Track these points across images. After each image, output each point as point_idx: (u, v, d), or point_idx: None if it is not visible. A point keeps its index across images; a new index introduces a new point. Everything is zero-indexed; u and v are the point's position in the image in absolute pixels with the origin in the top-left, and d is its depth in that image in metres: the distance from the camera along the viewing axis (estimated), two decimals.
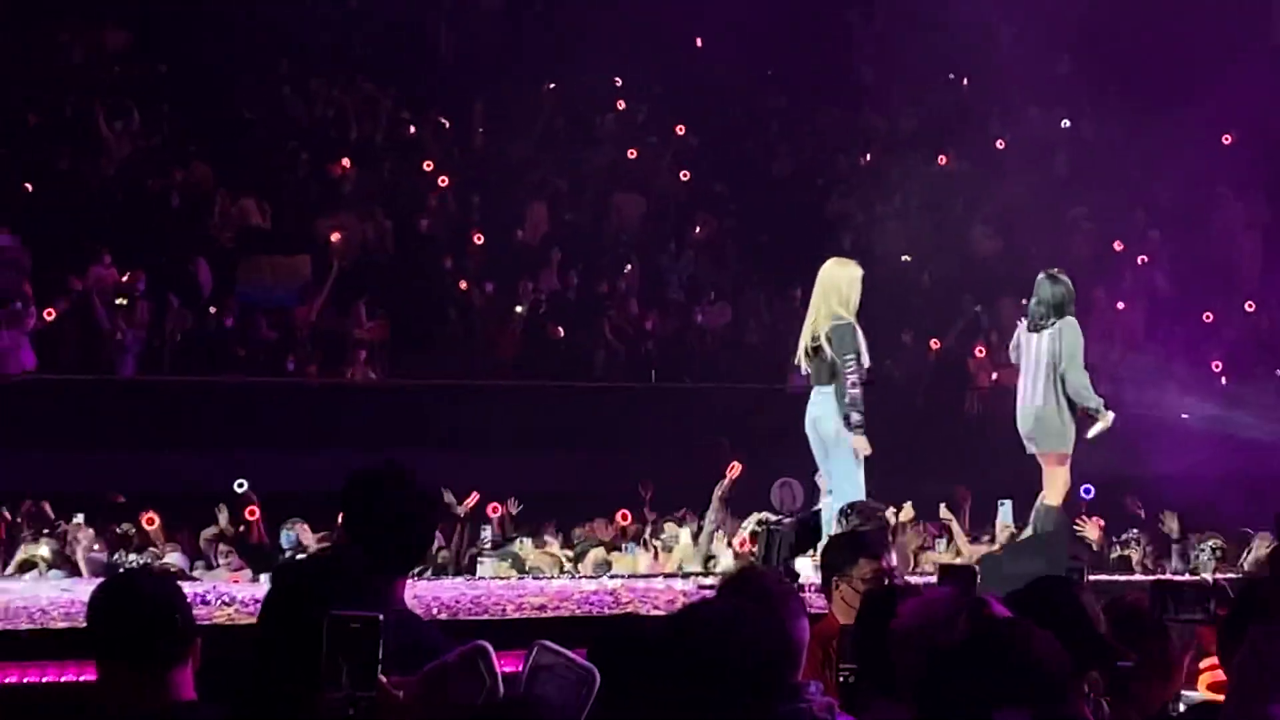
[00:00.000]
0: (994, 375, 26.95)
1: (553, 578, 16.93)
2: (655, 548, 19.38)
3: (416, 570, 12.09)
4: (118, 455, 21.46)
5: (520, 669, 3.99)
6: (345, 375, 25.75)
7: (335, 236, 27.55)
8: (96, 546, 18.11)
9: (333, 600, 3.87)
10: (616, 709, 4.02)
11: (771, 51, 33.09)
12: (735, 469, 19.64)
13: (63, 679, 8.50)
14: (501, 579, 16.51)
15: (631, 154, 31.45)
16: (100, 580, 13.09)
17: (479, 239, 28.56)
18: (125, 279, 25.55)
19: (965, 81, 34.00)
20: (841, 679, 5.30)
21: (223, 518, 18.73)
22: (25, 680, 8.61)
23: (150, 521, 18.47)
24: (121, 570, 15.16)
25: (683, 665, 4.13)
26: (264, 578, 13.70)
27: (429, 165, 29.77)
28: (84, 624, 9.47)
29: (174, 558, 17.78)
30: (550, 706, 3.24)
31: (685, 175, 31.28)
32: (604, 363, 27.29)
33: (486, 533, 19.11)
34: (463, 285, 27.63)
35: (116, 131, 28.45)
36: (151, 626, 4.78)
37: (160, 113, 29.12)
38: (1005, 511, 19.32)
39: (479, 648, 3.94)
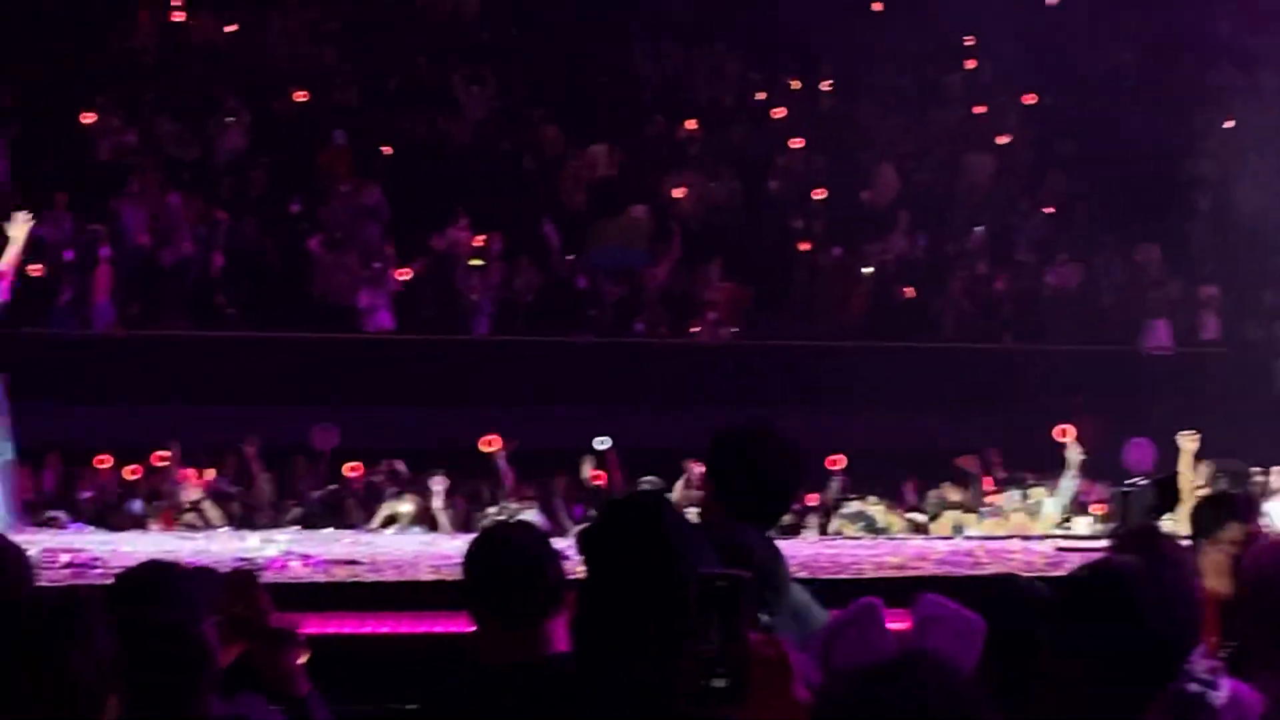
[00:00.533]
0: None
1: (905, 538, 16.86)
2: (1007, 510, 19.18)
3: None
4: (473, 412, 21.83)
5: (907, 625, 3.98)
6: (694, 335, 25.90)
7: (679, 192, 27.77)
8: (453, 503, 18.51)
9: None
10: (1000, 670, 3.98)
11: (1122, 7, 32.42)
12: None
13: (433, 630, 8.74)
14: (853, 539, 16.49)
15: (980, 112, 31.10)
16: (471, 535, 13.39)
17: (827, 200, 28.49)
18: (480, 240, 26.03)
19: None
20: (1224, 656, 5.15)
21: (587, 469, 19.04)
22: (398, 631, 8.87)
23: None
24: (489, 525, 15.40)
25: (1088, 627, 4.01)
26: None
27: (778, 127, 29.78)
28: (450, 577, 9.83)
29: (529, 515, 18.06)
30: (943, 658, 3.22)
31: (1033, 135, 30.84)
32: (953, 324, 27.07)
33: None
34: (805, 246, 27.61)
35: (472, 95, 29.00)
36: (525, 579, 4.85)
37: (513, 76, 29.58)
38: None
39: (870, 605, 3.95)
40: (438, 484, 18.56)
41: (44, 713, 3.11)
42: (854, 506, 18.85)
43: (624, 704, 3.86)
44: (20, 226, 13.60)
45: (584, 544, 4.06)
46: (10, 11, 27.08)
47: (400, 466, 19.53)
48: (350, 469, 20.07)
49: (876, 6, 31.91)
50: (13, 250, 13.39)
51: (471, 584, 4.99)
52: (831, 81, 31.08)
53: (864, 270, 27.20)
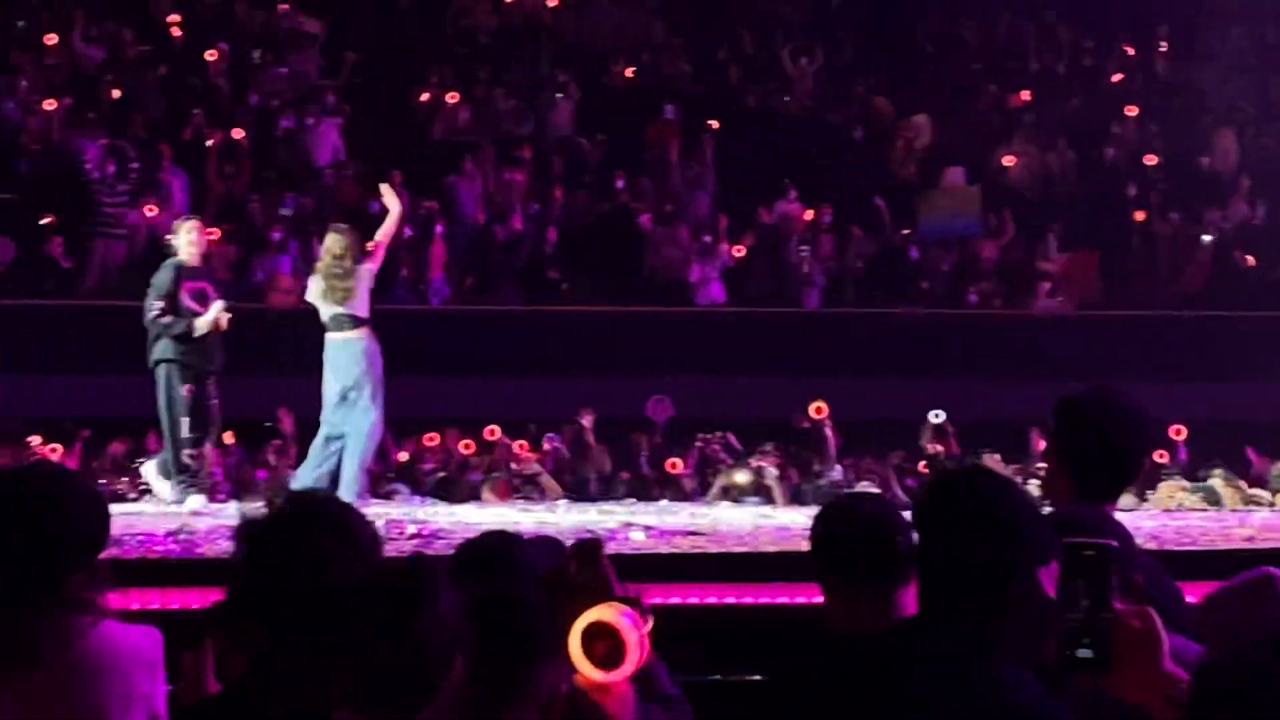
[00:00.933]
0: None
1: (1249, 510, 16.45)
2: None
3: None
4: (799, 383, 21.82)
5: None
6: (1030, 307, 25.56)
7: (1010, 161, 27.47)
8: (785, 474, 18.54)
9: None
10: None
11: None
12: None
13: (776, 601, 8.75)
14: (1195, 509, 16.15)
15: None
16: (802, 506, 13.35)
17: (1164, 167, 27.92)
18: (810, 213, 26.00)
19: None
20: None
21: (924, 440, 18.95)
22: (741, 601, 8.91)
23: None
24: (838, 495, 15.37)
25: None
26: None
27: (1113, 94, 29.26)
28: (790, 548, 9.84)
29: (863, 487, 17.99)
30: None
31: None
32: None
33: None
34: (1141, 215, 27.10)
35: (800, 67, 28.96)
36: (876, 548, 4.84)
37: (841, 47, 29.48)
38: None
39: (1268, 574, 3.85)
40: (769, 456, 18.60)
41: (396, 674, 3.18)
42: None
43: (963, 672, 3.82)
44: (392, 198, 13.95)
45: (917, 515, 4.02)
46: None
47: (732, 439, 19.60)
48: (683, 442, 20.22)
49: None
50: (390, 222, 13.73)
51: (822, 554, 4.99)
52: (1167, 46, 30.42)
53: (1203, 239, 26.59)
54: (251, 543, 3.33)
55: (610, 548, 9.47)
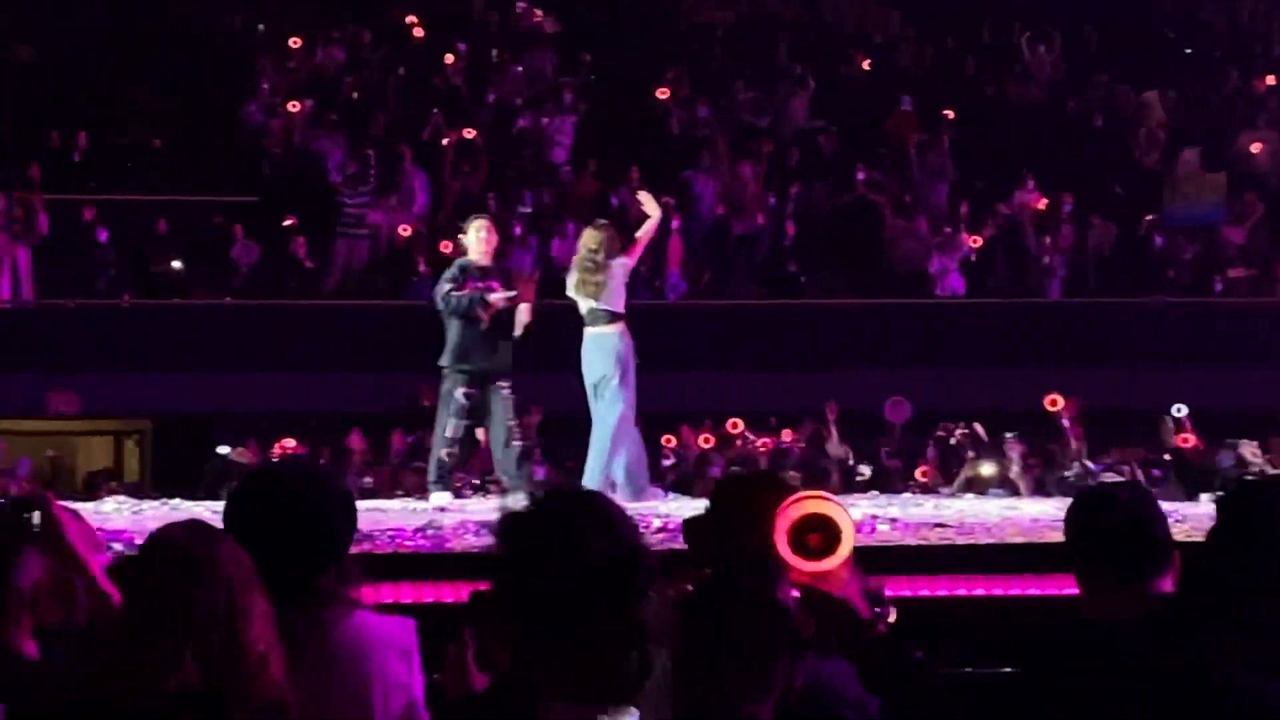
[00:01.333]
0: None
1: None
2: None
3: None
4: (1040, 374, 21.56)
5: None
6: (1276, 294, 25.06)
7: (1256, 148, 26.93)
8: (1028, 464, 18.37)
9: None
10: None
11: None
12: None
13: (1027, 593, 8.65)
14: None
15: None
16: (1046, 497, 13.18)
17: None
18: (1047, 203, 25.72)
19: None
20: None
21: (1166, 432, 18.68)
22: (991, 593, 8.82)
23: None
24: (1092, 485, 15.19)
25: None
26: (1205, 497, 13.46)
27: None
28: (1038, 540, 9.72)
29: (1107, 478, 17.74)
30: None
31: None
32: None
33: None
34: None
35: (1039, 56, 28.65)
36: (1134, 538, 4.75)
37: (1080, 34, 29.10)
38: None
39: None
40: (1013, 446, 18.44)
41: (612, 650, 3.20)
42: None
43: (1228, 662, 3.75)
44: (652, 204, 14.00)
45: (1221, 513, 3.96)
46: None
47: (979, 429, 19.43)
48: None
49: None
50: (649, 223, 13.78)
51: (1078, 544, 4.91)
52: None
53: None
54: (512, 535, 3.34)
55: (858, 541, 9.45)
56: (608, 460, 13.40)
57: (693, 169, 25.35)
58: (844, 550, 3.95)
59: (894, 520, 10.95)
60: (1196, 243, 25.81)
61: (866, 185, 25.72)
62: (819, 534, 3.93)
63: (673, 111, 26.92)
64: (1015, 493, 17.15)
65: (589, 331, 13.50)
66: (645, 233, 13.91)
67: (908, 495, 16.15)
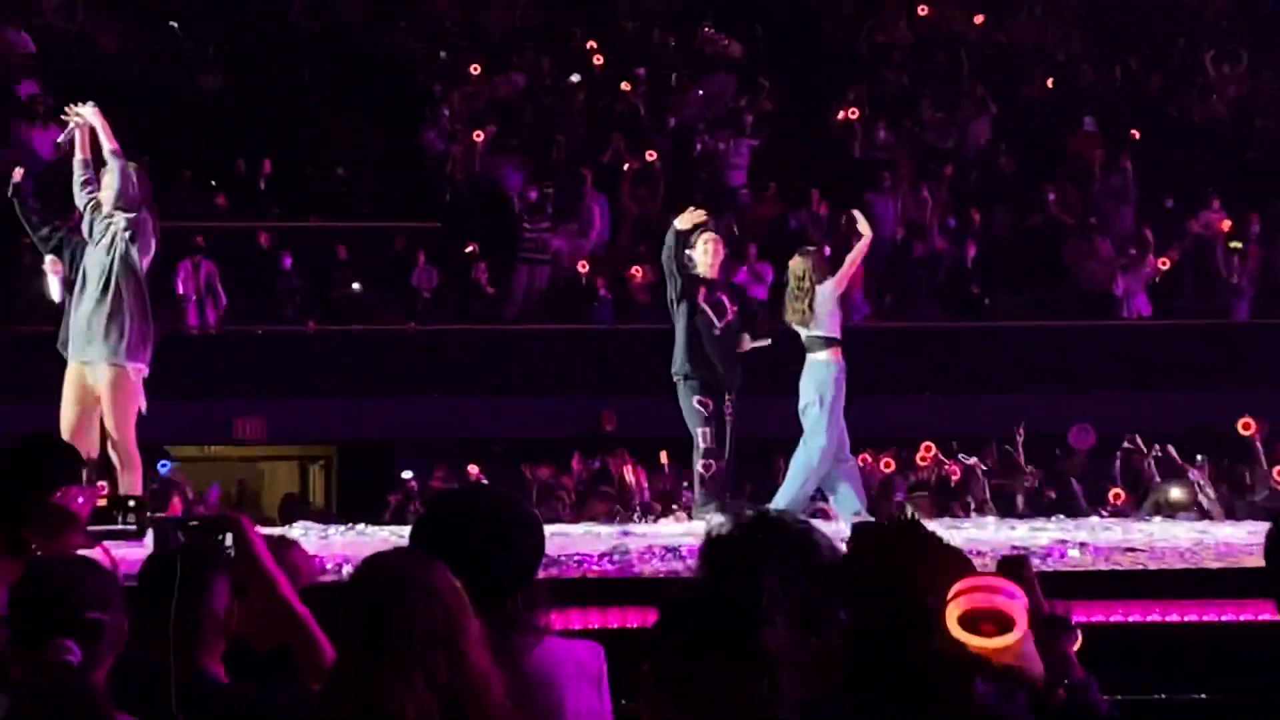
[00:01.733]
0: None
1: None
2: None
3: None
4: (1229, 396, 21.20)
5: None
6: None
7: None
8: (1218, 488, 18.09)
9: None
10: None
11: None
12: None
13: (1221, 619, 8.51)
14: None
15: None
16: (1237, 521, 12.98)
17: None
18: (1227, 225, 25.34)
19: None
20: None
21: None
22: (1188, 618, 8.68)
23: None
24: None
25: None
26: None
27: None
28: (1233, 564, 9.54)
29: None
30: None
31: None
32: None
33: None
34: None
35: (1224, 73, 28.26)
36: None
37: (1268, 49, 28.66)
38: None
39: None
40: (1201, 470, 18.16)
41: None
42: None
43: None
44: (864, 224, 14.01)
45: None
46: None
47: (1172, 451, 19.15)
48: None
49: None
50: (860, 246, 13.76)
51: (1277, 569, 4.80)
52: None
53: None
54: (713, 558, 3.32)
55: (1047, 565, 9.35)
56: (801, 486, 13.36)
57: (873, 191, 25.22)
58: (1016, 634, 3.88)
59: (1083, 545, 10.81)
60: None
61: (1050, 206, 25.48)
62: (992, 623, 3.86)
63: (853, 133, 26.82)
64: (1205, 517, 16.89)
65: (808, 358, 13.52)
66: (855, 255, 13.91)
67: (1095, 519, 15.94)
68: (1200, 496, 17.71)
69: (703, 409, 13.18)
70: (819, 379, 13.38)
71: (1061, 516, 16.20)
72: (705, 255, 13.51)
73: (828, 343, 13.49)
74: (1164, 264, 24.87)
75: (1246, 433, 18.79)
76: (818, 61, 27.95)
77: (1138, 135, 26.84)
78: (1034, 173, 26.11)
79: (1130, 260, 24.52)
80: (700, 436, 13.17)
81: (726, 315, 13.46)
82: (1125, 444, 19.61)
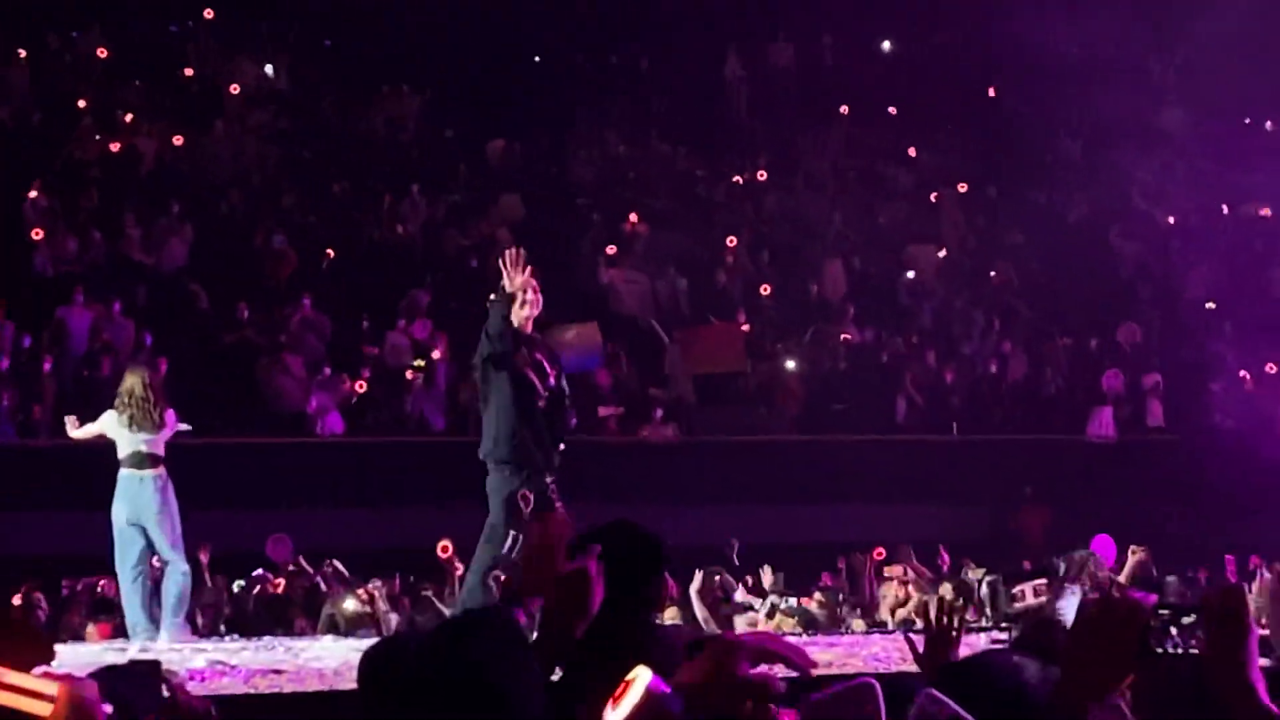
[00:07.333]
0: None
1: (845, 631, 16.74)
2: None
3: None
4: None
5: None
6: (643, 433, 25.79)
7: None
8: None
9: None
10: None
11: (1067, 91, 32.61)
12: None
13: None
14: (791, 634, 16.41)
15: (926, 204, 31.38)
16: None
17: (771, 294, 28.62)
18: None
19: (1268, 125, 32.91)
20: None
21: None
22: None
23: None
24: None
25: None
26: None
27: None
28: None
29: None
30: None
31: (980, 222, 31.10)
32: (905, 415, 27.06)
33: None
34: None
35: (415, 199, 29.08)
36: None
37: (452, 181, 29.56)
38: None
39: (869, 684, 3.93)
40: (381, 587, 18.45)
41: None
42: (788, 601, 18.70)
43: None
44: None
45: None
46: None
47: (338, 566, 19.30)
48: None
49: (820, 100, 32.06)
50: None
51: None
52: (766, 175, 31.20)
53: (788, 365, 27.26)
54: None
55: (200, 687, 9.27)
56: None
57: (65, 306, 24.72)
58: None
59: (232, 667, 10.79)
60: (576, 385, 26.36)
61: (244, 325, 25.55)
62: None
63: (46, 249, 26.23)
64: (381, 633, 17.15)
65: None
66: None
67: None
68: (379, 610, 17.97)
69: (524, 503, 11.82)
70: None
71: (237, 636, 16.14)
72: (524, 309, 12.01)
73: None
74: (360, 386, 25.18)
75: (444, 555, 19.31)
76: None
77: (332, 254, 27.32)
78: (227, 290, 26.08)
79: (324, 380, 24.82)
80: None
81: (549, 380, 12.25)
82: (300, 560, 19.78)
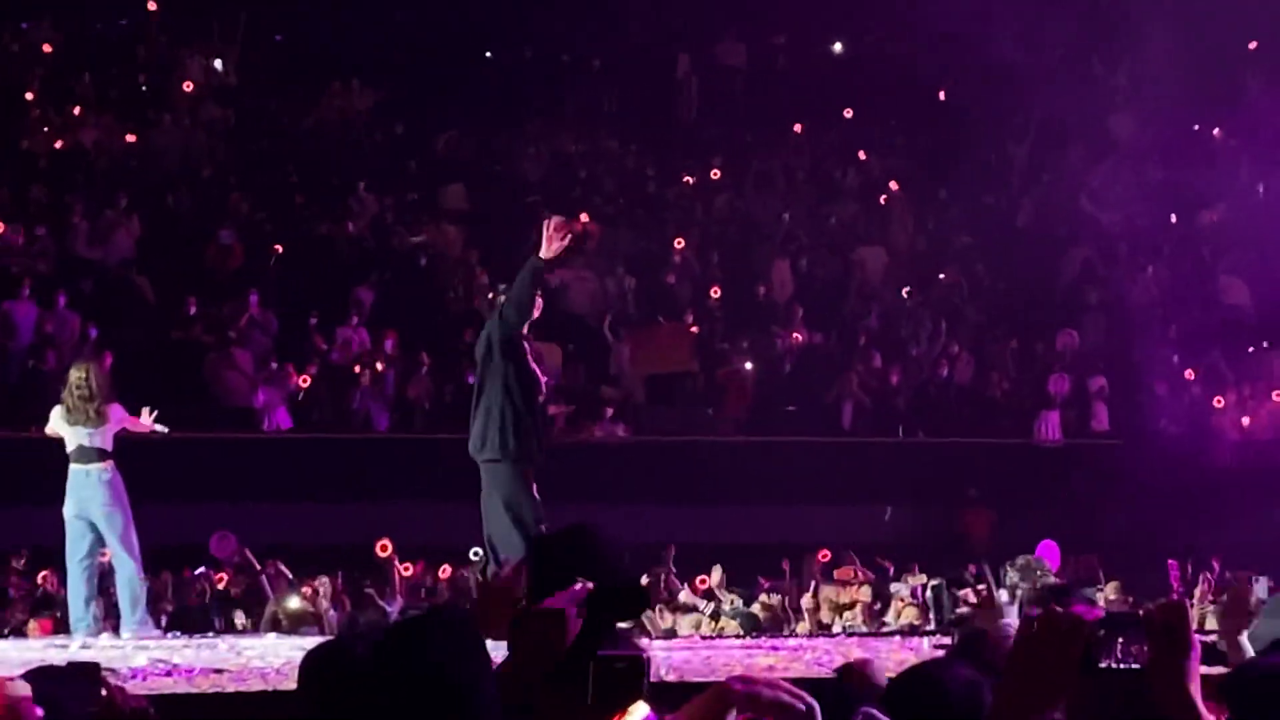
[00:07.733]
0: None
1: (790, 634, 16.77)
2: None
3: None
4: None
5: None
6: (593, 433, 25.79)
7: None
8: None
9: None
10: None
11: (1016, 95, 32.68)
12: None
13: None
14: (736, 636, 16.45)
15: (875, 206, 31.44)
16: None
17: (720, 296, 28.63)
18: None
19: (1216, 132, 33.09)
20: None
21: None
22: None
23: None
24: None
25: None
26: None
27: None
28: None
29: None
30: None
31: (929, 225, 31.21)
32: (851, 417, 27.10)
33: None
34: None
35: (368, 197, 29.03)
36: None
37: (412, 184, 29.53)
38: None
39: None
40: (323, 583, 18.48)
41: None
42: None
43: None
44: None
45: None
46: None
47: (281, 567, 19.29)
48: None
49: (773, 101, 32.11)
50: None
51: None
52: (720, 174, 31.24)
53: (746, 366, 27.29)
54: None
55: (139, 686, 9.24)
56: None
57: (12, 300, 24.64)
58: None
59: (175, 666, 10.74)
60: None
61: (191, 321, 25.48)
62: None
63: None
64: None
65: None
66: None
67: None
68: (320, 608, 17.98)
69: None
70: None
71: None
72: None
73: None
74: (304, 381, 25.12)
75: (384, 554, 19.32)
76: None
77: (280, 249, 27.24)
78: (176, 286, 25.99)
79: (271, 374, 24.76)
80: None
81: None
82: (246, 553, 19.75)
